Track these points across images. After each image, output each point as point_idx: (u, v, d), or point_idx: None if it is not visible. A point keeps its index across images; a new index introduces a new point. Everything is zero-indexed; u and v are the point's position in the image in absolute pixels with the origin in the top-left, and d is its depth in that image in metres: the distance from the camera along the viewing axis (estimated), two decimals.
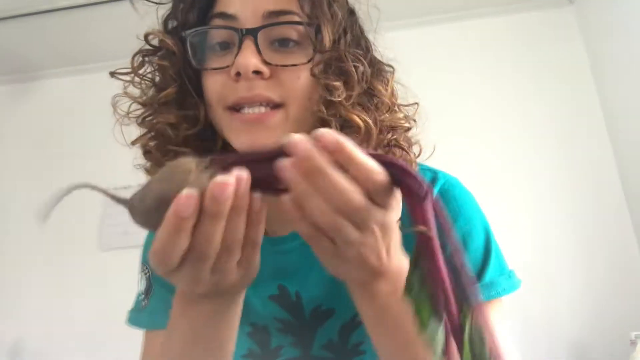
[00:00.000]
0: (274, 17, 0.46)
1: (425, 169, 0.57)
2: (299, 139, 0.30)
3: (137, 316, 0.57)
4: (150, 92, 0.52)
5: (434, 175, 0.56)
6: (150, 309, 0.55)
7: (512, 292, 0.50)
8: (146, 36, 0.52)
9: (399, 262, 0.37)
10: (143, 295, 0.57)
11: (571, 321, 1.80)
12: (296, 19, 0.47)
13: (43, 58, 2.56)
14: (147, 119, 0.52)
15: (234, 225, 0.32)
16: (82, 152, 2.46)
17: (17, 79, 2.70)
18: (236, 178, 0.30)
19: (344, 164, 0.30)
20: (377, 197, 0.32)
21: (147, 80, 0.53)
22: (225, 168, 0.32)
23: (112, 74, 0.53)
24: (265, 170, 0.31)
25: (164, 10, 0.55)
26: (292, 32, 0.47)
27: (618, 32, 1.91)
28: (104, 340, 2.09)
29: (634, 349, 1.51)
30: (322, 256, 0.37)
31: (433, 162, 0.62)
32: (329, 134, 0.30)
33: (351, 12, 0.54)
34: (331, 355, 0.51)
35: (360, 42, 0.53)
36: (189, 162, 0.32)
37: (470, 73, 2.20)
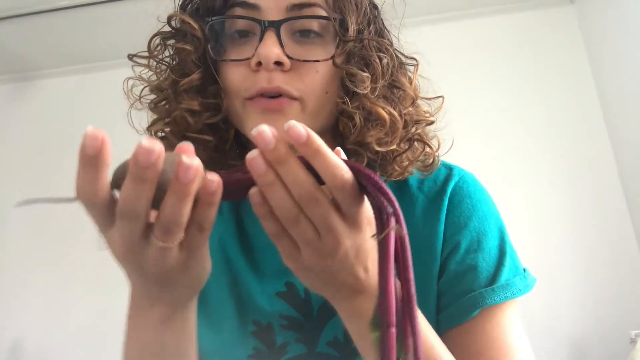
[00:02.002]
0: (297, 10, 0.46)
1: (440, 165, 0.55)
2: (264, 129, 0.29)
3: None
4: (168, 77, 0.51)
5: (449, 172, 0.55)
6: None
7: (527, 292, 0.49)
8: (169, 18, 0.51)
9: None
10: None
11: (571, 319, 1.81)
12: (320, 11, 0.46)
13: (43, 58, 2.56)
14: (161, 104, 0.51)
15: (171, 205, 0.30)
16: None
17: (17, 79, 2.70)
18: (179, 149, 0.31)
19: (311, 158, 0.30)
20: (342, 202, 0.31)
21: (165, 65, 0.51)
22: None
23: (130, 57, 0.53)
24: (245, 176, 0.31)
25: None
26: (314, 24, 0.47)
27: (618, 31, 1.91)
28: (104, 340, 2.09)
29: (634, 347, 1.51)
30: (287, 262, 0.36)
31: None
32: (299, 126, 0.29)
33: (374, 6, 0.53)
34: (336, 354, 0.50)
35: (384, 35, 0.53)
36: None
37: (469, 72, 2.20)
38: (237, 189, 0.32)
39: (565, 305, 1.84)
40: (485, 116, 2.12)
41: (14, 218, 2.42)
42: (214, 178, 0.30)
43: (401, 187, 0.54)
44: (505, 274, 0.49)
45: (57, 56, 2.55)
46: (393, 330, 0.25)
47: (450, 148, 0.57)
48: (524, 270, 0.52)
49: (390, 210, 0.28)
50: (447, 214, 0.51)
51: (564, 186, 1.97)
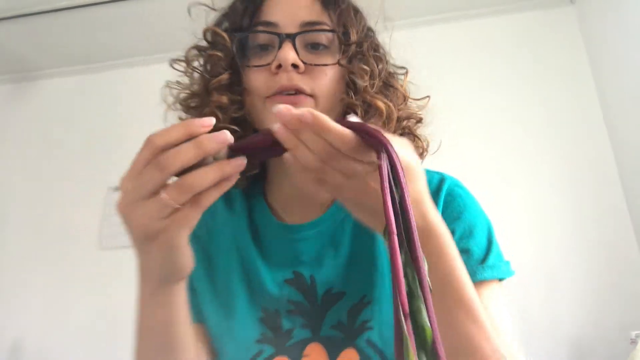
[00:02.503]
0: (309, 27, 0.57)
1: (433, 173, 0.63)
2: (281, 108, 0.38)
3: None
4: (202, 79, 0.61)
5: (441, 177, 0.62)
6: None
7: (509, 277, 0.57)
8: (204, 32, 0.62)
9: (428, 216, 0.43)
10: None
11: (571, 320, 1.81)
12: (327, 28, 0.57)
13: (43, 58, 2.56)
14: (194, 103, 0.61)
15: (204, 172, 0.37)
16: (83, 152, 2.46)
17: (17, 79, 2.70)
18: (239, 158, 0.38)
19: (320, 132, 0.37)
20: (356, 153, 0.38)
21: (198, 72, 0.62)
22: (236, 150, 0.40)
23: (172, 63, 0.63)
24: (268, 141, 0.40)
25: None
26: (322, 38, 0.58)
27: (619, 32, 1.91)
28: (104, 340, 2.09)
29: (635, 347, 1.51)
30: (334, 196, 0.44)
31: (434, 161, 0.63)
32: (305, 111, 0.37)
33: (369, 28, 0.65)
34: (340, 334, 0.55)
35: (378, 49, 0.64)
36: None
37: (469, 72, 2.21)
38: (256, 149, 0.41)
39: (566, 305, 1.84)
40: (485, 117, 2.12)
41: (14, 218, 2.42)
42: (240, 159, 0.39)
43: None
44: (492, 259, 0.56)
45: (57, 56, 2.55)
46: (394, 236, 0.31)
47: (437, 148, 0.64)
48: (507, 262, 0.59)
49: (380, 147, 0.35)
50: (443, 210, 0.59)
51: (564, 187, 1.97)
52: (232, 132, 0.52)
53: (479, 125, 2.10)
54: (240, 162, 0.39)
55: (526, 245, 1.91)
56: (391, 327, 0.49)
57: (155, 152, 0.37)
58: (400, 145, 0.38)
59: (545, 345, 1.78)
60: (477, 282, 0.52)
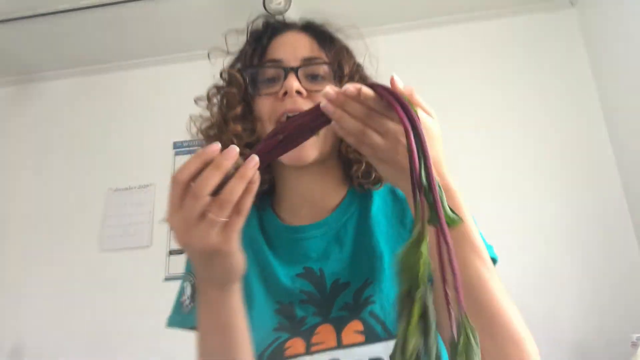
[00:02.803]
0: (308, 61, 0.68)
1: None
2: (328, 89, 0.47)
3: (181, 318, 0.69)
4: (220, 111, 0.72)
5: None
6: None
7: (496, 258, 0.61)
8: (221, 73, 0.74)
9: (448, 176, 0.50)
10: (189, 300, 0.69)
11: (573, 323, 1.80)
12: (324, 61, 0.69)
13: (44, 60, 2.57)
14: (213, 132, 0.72)
15: (233, 185, 0.43)
16: (83, 152, 2.46)
17: (19, 81, 2.71)
18: (250, 157, 0.45)
19: (362, 99, 0.46)
20: (387, 112, 0.46)
21: (215, 106, 0.74)
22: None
23: (196, 100, 0.75)
24: (272, 144, 0.48)
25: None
26: (320, 70, 0.69)
27: (619, 34, 1.91)
28: (104, 340, 2.09)
29: (635, 351, 1.51)
30: (371, 159, 0.52)
31: None
32: (350, 85, 0.46)
33: (359, 64, 0.76)
34: (346, 314, 0.63)
35: (366, 80, 0.73)
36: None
37: (471, 75, 2.21)
38: (267, 152, 0.48)
39: (567, 309, 1.84)
40: (486, 118, 2.12)
41: (14, 219, 2.42)
42: (254, 158, 0.46)
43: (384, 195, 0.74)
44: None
45: (57, 59, 2.56)
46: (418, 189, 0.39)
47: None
48: (490, 245, 0.65)
49: (403, 113, 0.42)
50: None
51: (565, 191, 1.97)
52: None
53: (480, 126, 2.11)
54: (253, 160, 0.45)
55: (527, 247, 1.90)
56: (391, 301, 0.61)
57: (184, 186, 0.44)
58: (424, 112, 0.48)
59: (546, 349, 1.76)
60: None
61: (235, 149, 0.44)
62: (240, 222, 0.46)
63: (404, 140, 0.43)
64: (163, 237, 2.17)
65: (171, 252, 2.16)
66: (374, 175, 0.69)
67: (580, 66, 2.15)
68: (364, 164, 0.68)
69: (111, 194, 2.34)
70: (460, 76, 2.20)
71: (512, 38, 2.23)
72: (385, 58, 0.79)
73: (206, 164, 0.44)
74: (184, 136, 0.77)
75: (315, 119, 0.49)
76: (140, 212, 2.26)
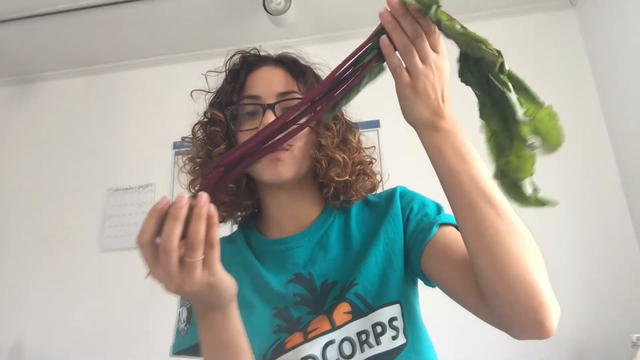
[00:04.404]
0: (283, 96, 0.73)
1: (388, 189, 0.80)
2: (387, 5, 0.53)
3: (180, 342, 0.73)
4: (204, 148, 0.77)
5: (393, 188, 0.79)
6: (193, 329, 0.71)
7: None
8: (204, 113, 0.79)
9: (451, 111, 0.58)
10: (184, 323, 0.74)
11: (572, 323, 1.80)
12: (298, 96, 0.74)
13: (44, 60, 2.57)
14: (197, 168, 0.77)
15: (194, 227, 0.46)
16: (83, 152, 2.46)
17: (19, 81, 2.71)
18: (198, 195, 0.47)
19: (417, 16, 0.53)
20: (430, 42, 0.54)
21: (200, 142, 0.78)
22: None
23: (183, 139, 0.80)
24: (216, 177, 0.53)
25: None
26: (294, 104, 0.73)
27: (619, 34, 1.91)
28: (104, 340, 2.09)
29: (636, 351, 1.51)
30: (402, 90, 0.56)
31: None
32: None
33: None
34: (335, 302, 0.69)
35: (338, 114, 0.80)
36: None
37: None
38: (215, 184, 0.52)
39: (567, 309, 1.82)
40: None
41: (14, 219, 2.42)
42: (203, 195, 0.48)
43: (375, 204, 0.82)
44: (444, 214, 0.72)
45: (57, 59, 2.56)
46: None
47: (386, 180, 0.83)
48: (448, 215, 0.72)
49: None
50: (400, 200, 0.76)
51: (564, 189, 1.97)
52: (228, 186, 0.72)
53: (479, 126, 2.10)
54: (202, 197, 0.47)
55: None
56: (372, 283, 0.68)
57: (151, 246, 0.47)
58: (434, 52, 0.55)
59: (546, 349, 1.77)
60: (441, 224, 0.68)
61: (183, 197, 0.47)
62: (216, 253, 0.49)
63: (436, 74, 0.53)
64: None
65: None
66: (342, 198, 0.76)
67: (580, 66, 2.15)
68: (332, 188, 0.74)
69: (111, 194, 2.34)
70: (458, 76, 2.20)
71: (512, 38, 2.23)
72: None
73: (162, 217, 0.46)
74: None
75: (254, 152, 0.53)
76: (140, 212, 2.26)
